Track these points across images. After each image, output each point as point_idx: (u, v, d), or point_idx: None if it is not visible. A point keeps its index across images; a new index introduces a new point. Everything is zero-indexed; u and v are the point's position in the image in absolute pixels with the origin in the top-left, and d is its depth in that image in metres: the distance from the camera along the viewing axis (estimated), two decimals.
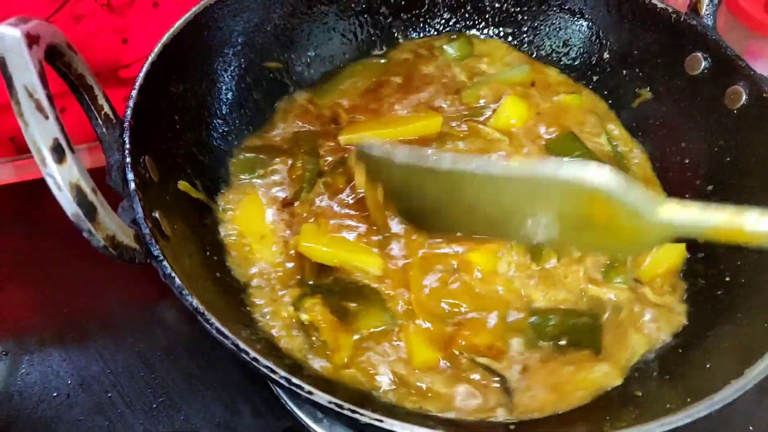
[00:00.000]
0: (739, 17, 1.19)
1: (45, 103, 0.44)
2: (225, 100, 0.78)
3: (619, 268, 0.71)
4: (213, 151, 0.75)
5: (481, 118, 0.82)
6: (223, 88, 0.77)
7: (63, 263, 0.87)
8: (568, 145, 0.80)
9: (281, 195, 0.75)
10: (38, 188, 0.96)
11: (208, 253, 0.67)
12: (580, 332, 0.66)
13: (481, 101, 0.84)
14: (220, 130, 0.77)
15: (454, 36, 0.91)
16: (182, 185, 0.68)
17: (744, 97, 0.74)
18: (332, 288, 0.67)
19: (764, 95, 0.72)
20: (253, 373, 0.76)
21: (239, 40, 0.78)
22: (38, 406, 0.74)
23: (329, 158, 0.77)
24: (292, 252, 0.69)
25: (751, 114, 0.73)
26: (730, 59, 0.76)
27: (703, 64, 0.79)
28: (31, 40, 0.45)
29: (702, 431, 0.71)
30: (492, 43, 0.92)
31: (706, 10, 0.79)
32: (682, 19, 0.80)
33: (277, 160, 0.77)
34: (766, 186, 0.69)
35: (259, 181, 0.76)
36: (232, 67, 0.78)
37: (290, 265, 0.69)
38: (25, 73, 0.44)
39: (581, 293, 0.69)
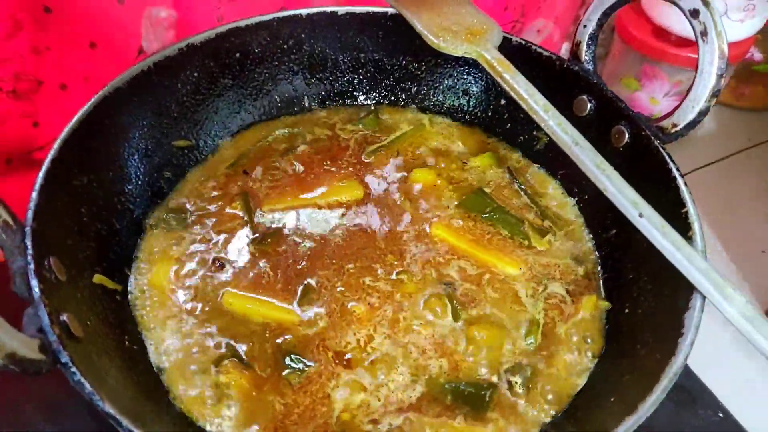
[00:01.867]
0: (631, 44, 1.28)
1: None
2: (134, 184, 0.79)
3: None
4: (124, 234, 0.75)
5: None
6: (132, 172, 0.78)
7: None
8: (479, 202, 0.84)
9: (197, 257, 0.77)
10: None
11: (127, 342, 0.68)
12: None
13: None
14: (131, 212, 0.78)
15: (362, 115, 0.95)
16: (97, 278, 0.68)
17: (626, 136, 0.80)
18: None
19: (642, 133, 0.78)
20: None
21: (144, 124, 0.80)
22: None
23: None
24: (209, 315, 0.71)
25: (634, 151, 0.79)
26: (611, 101, 0.82)
27: (588, 106, 0.84)
28: None
29: None
30: (399, 114, 0.96)
31: (586, 55, 0.84)
32: (565, 65, 0.85)
33: (187, 217, 0.80)
34: None
35: (175, 248, 0.77)
36: (140, 151, 0.79)
37: (206, 324, 0.71)
38: None
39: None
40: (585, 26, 0.83)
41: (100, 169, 0.74)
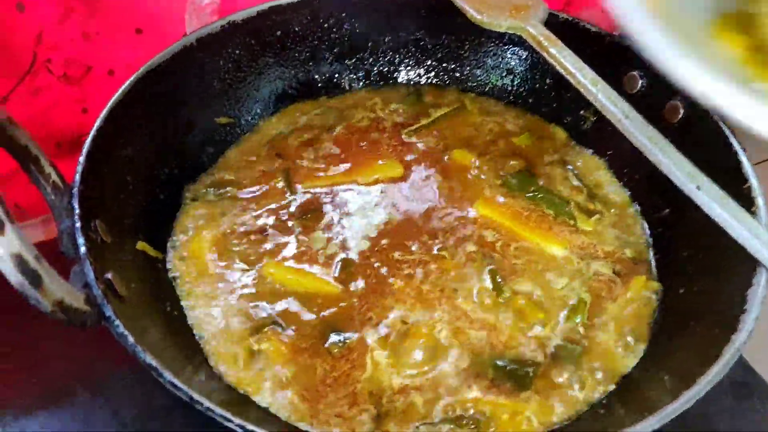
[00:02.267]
0: None
1: None
2: (177, 157, 0.79)
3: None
4: (166, 204, 0.76)
5: None
6: (174, 146, 0.79)
7: (23, 331, 0.87)
8: (523, 181, 0.82)
9: (239, 228, 0.76)
10: None
11: (168, 308, 0.68)
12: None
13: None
14: (173, 184, 0.78)
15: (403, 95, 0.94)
16: (140, 245, 0.69)
17: (681, 111, 0.77)
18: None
19: (699, 107, 0.74)
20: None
21: (187, 99, 0.81)
22: None
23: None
24: (250, 284, 0.71)
25: (690, 125, 0.76)
26: (664, 75, 0.79)
27: (640, 83, 0.82)
28: None
29: None
30: (440, 94, 0.95)
31: None
32: (615, 40, 0.83)
33: (228, 191, 0.80)
34: None
35: (215, 220, 0.77)
36: (182, 126, 0.80)
37: (247, 292, 0.70)
38: None
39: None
40: None
41: (144, 141, 0.75)
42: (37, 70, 0.97)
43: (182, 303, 0.69)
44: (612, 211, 0.82)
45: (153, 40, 1.02)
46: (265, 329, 0.67)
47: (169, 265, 0.72)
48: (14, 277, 0.46)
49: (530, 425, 0.62)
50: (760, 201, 0.66)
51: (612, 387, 0.66)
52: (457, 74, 0.95)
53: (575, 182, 0.84)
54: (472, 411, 0.62)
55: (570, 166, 0.86)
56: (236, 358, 0.65)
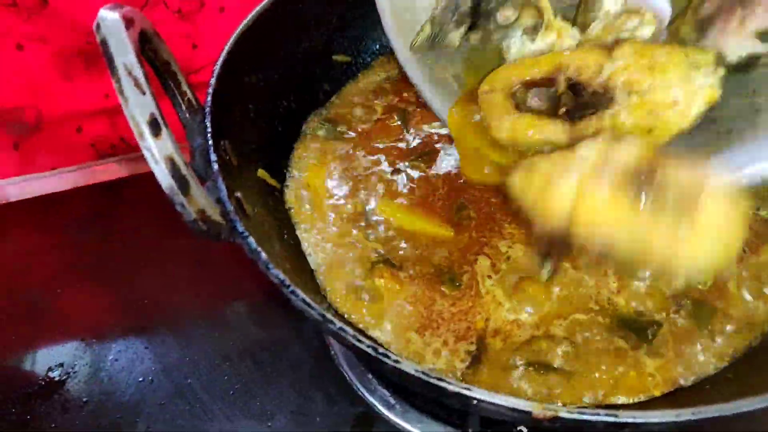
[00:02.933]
0: None
1: (142, 80, 0.46)
2: (296, 90, 0.80)
3: None
4: (284, 135, 0.77)
5: None
6: (294, 79, 0.79)
7: (138, 262, 0.91)
8: None
9: (353, 165, 0.77)
10: (113, 192, 1.03)
11: (285, 236, 0.69)
12: None
13: None
14: (292, 116, 0.79)
15: None
16: (260, 173, 0.70)
17: None
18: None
19: None
20: (326, 362, 0.79)
21: (307, 33, 0.80)
22: (126, 390, 0.77)
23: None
24: (362, 223, 0.71)
25: None
26: None
27: None
28: (128, 22, 0.48)
29: None
30: None
31: None
32: None
33: (344, 128, 0.80)
34: None
35: (330, 155, 0.78)
36: (302, 60, 0.80)
37: (359, 235, 0.70)
38: (125, 52, 0.46)
39: None
40: None
41: (266, 71, 0.75)
42: (155, 3, 0.99)
43: (297, 233, 0.70)
44: None
45: None
46: (379, 265, 0.66)
47: (285, 196, 0.73)
48: (165, 181, 0.47)
49: (654, 381, 0.59)
50: None
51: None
52: None
53: None
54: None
55: None
56: (350, 292, 0.66)
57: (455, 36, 0.64)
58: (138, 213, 0.97)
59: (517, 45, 0.61)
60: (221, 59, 0.66)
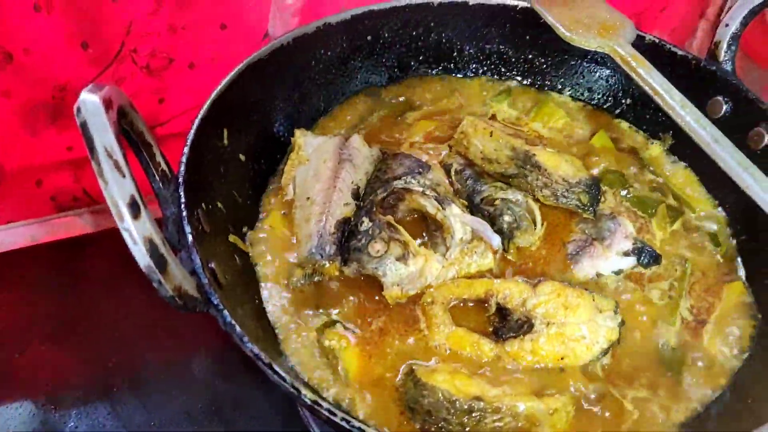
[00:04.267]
0: (756, 60, 1.23)
1: (122, 162, 0.47)
2: (267, 151, 0.81)
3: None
4: (254, 193, 0.78)
5: None
6: (267, 140, 0.81)
7: (102, 320, 0.90)
8: (614, 180, 0.83)
9: None
10: (75, 247, 1.01)
11: (256, 299, 0.69)
12: None
13: None
14: (261, 174, 0.81)
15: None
16: (232, 238, 0.71)
17: (766, 138, 0.77)
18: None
19: None
20: (293, 417, 0.79)
21: (280, 96, 0.82)
22: None
23: None
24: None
25: None
26: (750, 101, 0.79)
27: (724, 108, 0.82)
28: (107, 104, 0.49)
29: None
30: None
31: (725, 56, 0.82)
32: (702, 65, 0.83)
33: None
34: None
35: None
36: (275, 119, 0.82)
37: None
38: (104, 134, 0.47)
39: None
40: (727, 25, 0.81)
41: (240, 134, 0.76)
42: (123, 59, 0.99)
43: (262, 293, 0.71)
44: (697, 213, 0.83)
45: (236, 36, 1.04)
46: (331, 327, 0.69)
47: (252, 256, 0.73)
48: (144, 261, 0.48)
49: None
50: None
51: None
52: (538, 88, 0.96)
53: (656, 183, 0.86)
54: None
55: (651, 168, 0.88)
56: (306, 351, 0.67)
57: (331, 270, 0.71)
58: (101, 270, 0.96)
59: (392, 270, 0.70)
60: (194, 128, 0.68)
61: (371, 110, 0.90)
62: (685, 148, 0.87)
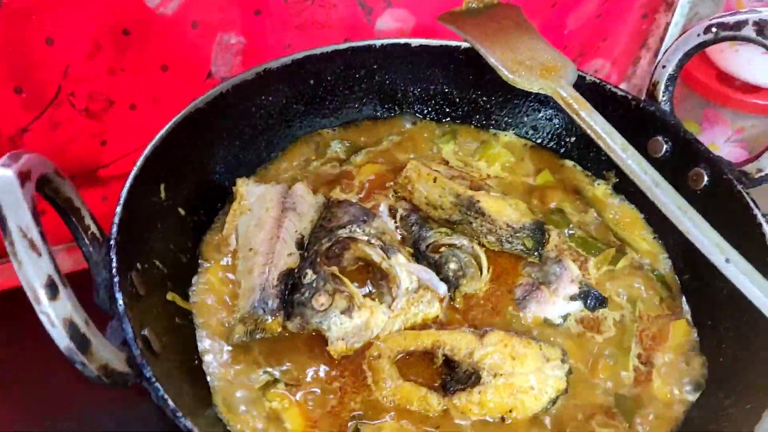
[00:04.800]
0: (694, 88, 1.26)
1: (38, 241, 0.45)
2: (203, 203, 0.79)
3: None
4: (193, 246, 0.76)
5: None
6: (205, 191, 0.79)
7: (42, 377, 0.85)
8: (559, 220, 0.84)
9: None
10: (15, 296, 0.96)
11: (196, 361, 0.67)
12: None
13: None
14: (201, 226, 0.79)
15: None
16: (170, 296, 0.68)
17: (705, 179, 0.79)
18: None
19: (724, 177, 0.76)
20: None
21: (220, 145, 0.81)
22: None
23: None
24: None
25: (714, 194, 0.77)
26: (689, 142, 0.81)
27: (664, 147, 0.83)
28: (23, 177, 0.46)
29: None
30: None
31: (663, 96, 0.84)
32: (641, 105, 0.85)
33: None
34: None
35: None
36: (215, 168, 0.81)
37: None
38: (19, 212, 0.44)
39: None
40: (664, 66, 0.83)
41: (177, 187, 0.74)
42: (60, 103, 0.96)
43: (202, 353, 0.68)
44: (640, 254, 0.84)
45: (178, 77, 1.02)
46: (272, 387, 0.67)
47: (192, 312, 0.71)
48: (63, 342, 0.45)
49: None
50: None
51: None
52: (482, 127, 0.96)
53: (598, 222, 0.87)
54: None
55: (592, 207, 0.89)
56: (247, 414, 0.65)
57: (274, 326, 0.69)
58: (15, 332, 0.90)
59: (336, 324, 0.69)
60: (127, 186, 0.65)
61: (315, 155, 0.89)
62: (629, 186, 0.88)
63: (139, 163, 0.68)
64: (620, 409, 0.69)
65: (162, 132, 0.71)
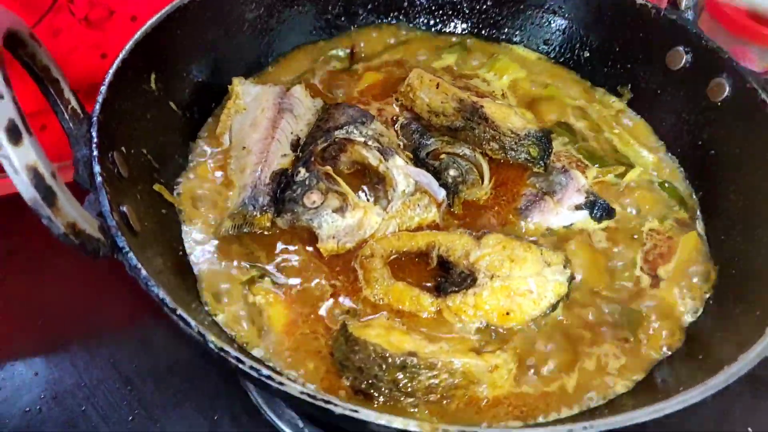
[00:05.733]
0: (722, 22, 1.20)
1: (1, 83, 0.42)
2: (200, 96, 0.77)
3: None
4: (185, 143, 0.74)
5: None
6: (200, 84, 0.77)
7: (28, 278, 0.85)
8: (566, 133, 0.80)
9: None
10: (12, 205, 0.96)
11: (180, 251, 0.65)
12: None
13: None
14: (192, 123, 0.76)
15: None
16: (157, 188, 0.66)
17: (727, 89, 0.74)
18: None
19: (747, 86, 0.72)
20: (232, 382, 0.76)
21: (213, 39, 0.78)
22: (9, 422, 0.71)
23: None
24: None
25: (735, 105, 0.73)
26: (712, 51, 0.76)
27: (684, 59, 0.78)
28: None
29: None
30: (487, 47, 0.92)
31: (686, 3, 0.78)
32: (662, 14, 0.80)
33: None
34: (749, 174, 0.68)
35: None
36: (211, 68, 0.78)
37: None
38: None
39: None
40: None
41: (169, 79, 0.72)
42: (59, 9, 0.94)
43: (186, 244, 0.67)
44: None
45: None
46: (258, 281, 0.65)
47: (178, 206, 0.69)
48: (27, 192, 0.43)
49: None
50: None
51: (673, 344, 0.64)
52: (493, 40, 0.91)
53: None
54: None
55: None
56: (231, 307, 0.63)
57: (262, 221, 0.67)
58: (26, 225, 0.90)
59: (328, 222, 0.66)
60: (114, 66, 0.63)
61: (315, 62, 0.86)
62: (643, 102, 0.83)
63: (128, 46, 0.65)
64: (624, 319, 0.65)
65: (154, 18, 0.69)
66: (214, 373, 0.78)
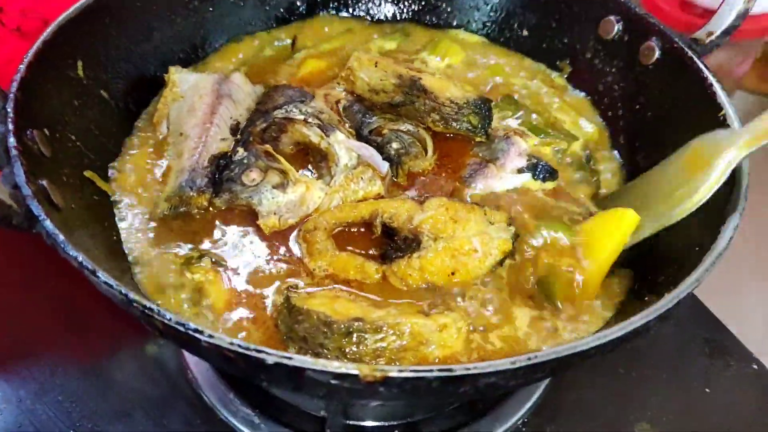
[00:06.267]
0: (656, 16, 1.23)
1: None
2: (136, 88, 0.75)
3: None
4: (119, 133, 0.72)
5: None
6: (135, 75, 0.75)
7: None
8: (507, 105, 0.80)
9: None
10: None
11: (114, 238, 0.62)
12: None
13: None
14: (129, 114, 0.74)
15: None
16: (89, 174, 0.64)
17: (657, 52, 0.75)
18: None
19: (675, 46, 0.73)
20: (183, 386, 0.72)
21: (148, 31, 0.77)
22: None
23: None
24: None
25: (665, 65, 0.74)
26: (640, 17, 0.77)
27: (616, 27, 0.80)
28: None
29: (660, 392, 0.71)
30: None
31: None
32: None
33: None
34: (684, 129, 0.68)
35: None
36: (146, 59, 0.77)
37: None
38: None
39: None
40: None
41: (100, 68, 0.70)
42: None
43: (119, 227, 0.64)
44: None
45: None
46: (196, 261, 0.62)
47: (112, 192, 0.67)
48: None
49: None
50: (736, 125, 0.64)
51: None
52: (433, 25, 0.92)
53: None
54: None
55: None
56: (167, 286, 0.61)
57: (200, 200, 0.65)
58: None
59: (268, 198, 0.65)
60: (34, 47, 0.62)
61: (255, 52, 0.85)
62: (582, 74, 0.84)
63: (49, 29, 0.63)
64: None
65: (80, 3, 0.67)
66: (160, 375, 0.75)
